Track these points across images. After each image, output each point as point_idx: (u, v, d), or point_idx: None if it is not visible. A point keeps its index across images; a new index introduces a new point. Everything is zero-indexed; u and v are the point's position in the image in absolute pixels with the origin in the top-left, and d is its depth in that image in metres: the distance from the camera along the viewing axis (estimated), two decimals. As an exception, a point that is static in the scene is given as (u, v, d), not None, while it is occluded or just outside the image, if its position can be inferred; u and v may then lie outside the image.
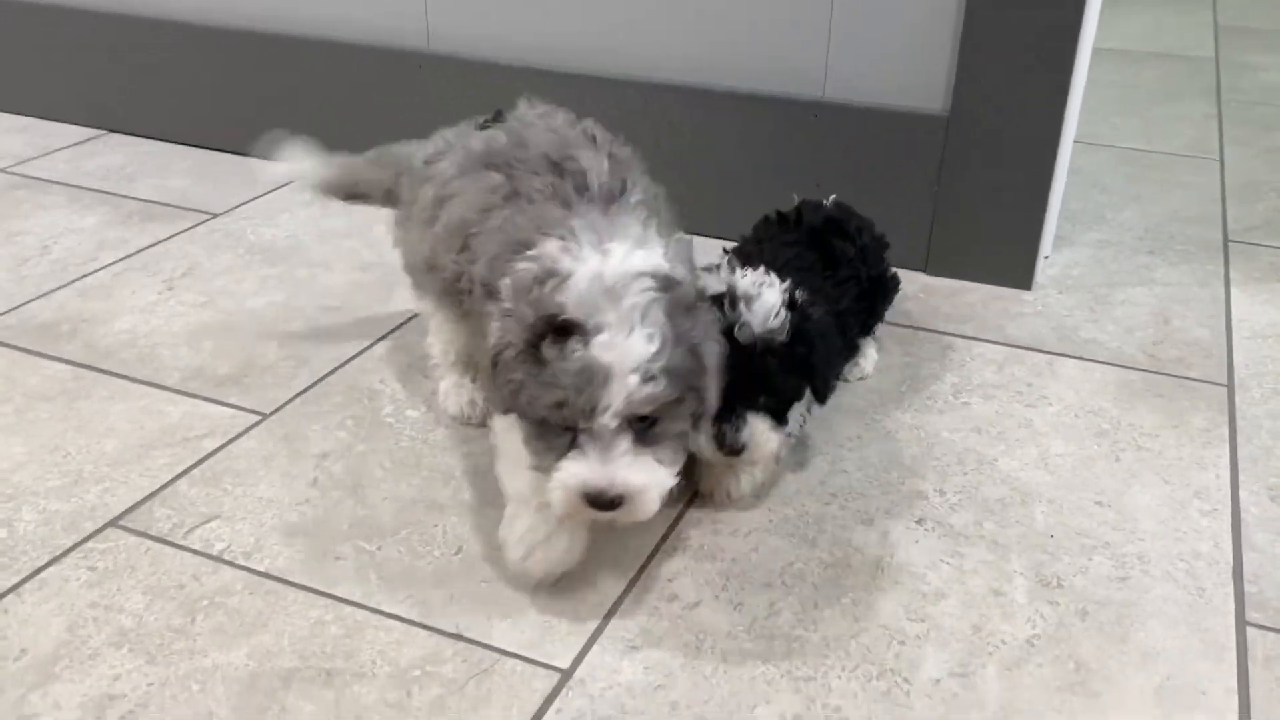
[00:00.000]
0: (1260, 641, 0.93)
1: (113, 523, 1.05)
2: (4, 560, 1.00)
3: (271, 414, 1.23)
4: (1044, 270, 1.57)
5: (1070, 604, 0.97)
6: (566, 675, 0.89)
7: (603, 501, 0.84)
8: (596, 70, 1.64)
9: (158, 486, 1.10)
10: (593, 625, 0.94)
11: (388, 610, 0.95)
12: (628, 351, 0.82)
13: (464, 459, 1.15)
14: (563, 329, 0.83)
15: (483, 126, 1.12)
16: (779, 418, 1.02)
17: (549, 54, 1.67)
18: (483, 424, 1.18)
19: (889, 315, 1.34)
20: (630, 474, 0.84)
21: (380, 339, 1.38)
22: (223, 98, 1.92)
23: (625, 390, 0.82)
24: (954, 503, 1.10)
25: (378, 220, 1.71)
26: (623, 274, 0.85)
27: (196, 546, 1.02)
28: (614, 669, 0.90)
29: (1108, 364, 1.35)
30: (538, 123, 1.07)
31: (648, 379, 0.82)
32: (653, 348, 0.82)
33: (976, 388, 1.29)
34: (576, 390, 0.82)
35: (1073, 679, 0.89)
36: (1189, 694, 0.88)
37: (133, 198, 1.78)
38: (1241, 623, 0.95)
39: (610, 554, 1.01)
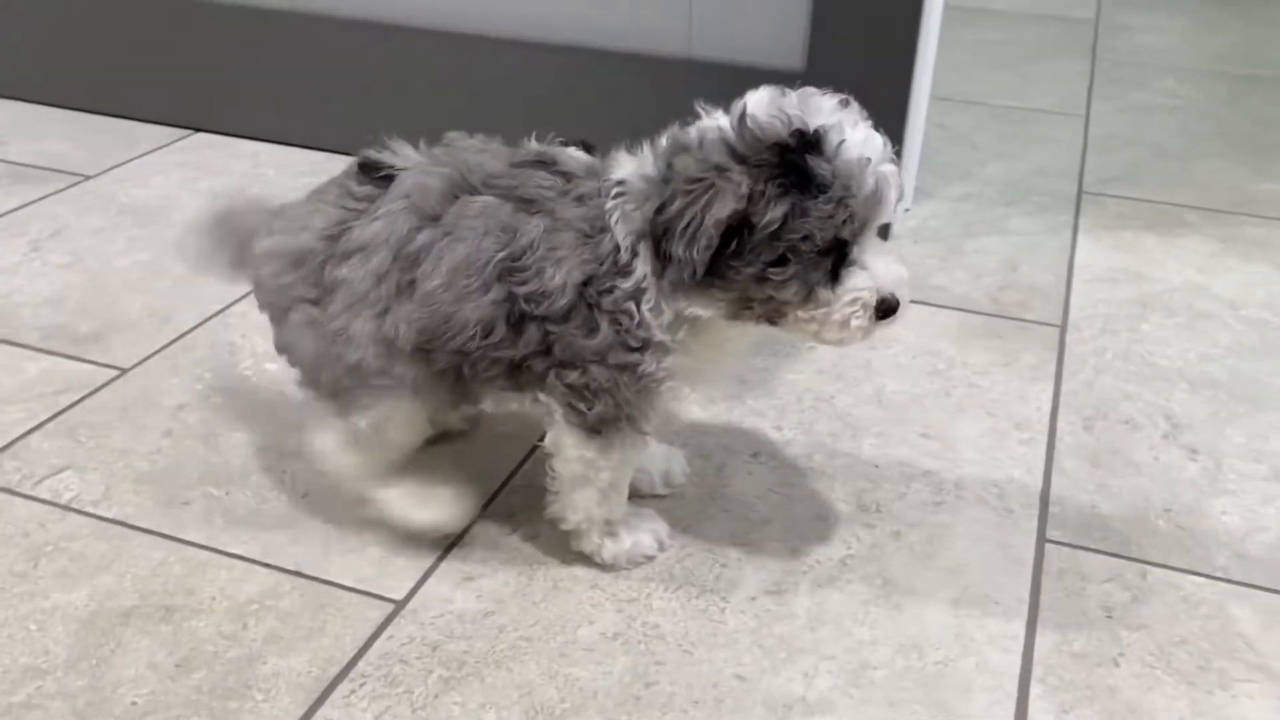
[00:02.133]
0: (1056, 556, 1.00)
1: (-39, 476, 1.06)
2: None
3: (131, 369, 1.24)
4: (903, 222, 1.64)
5: (885, 527, 1.03)
6: (400, 605, 0.93)
7: (896, 304, 0.82)
8: (454, 27, 1.66)
9: (9, 440, 1.11)
10: (430, 560, 0.98)
11: (230, 550, 0.98)
12: (874, 140, 0.80)
13: (320, 408, 1.18)
14: (813, 140, 0.78)
15: (368, 178, 0.92)
16: None
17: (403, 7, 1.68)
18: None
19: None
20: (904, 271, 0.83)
21: (246, 296, 1.39)
22: (102, 57, 1.90)
23: (894, 177, 0.80)
24: (789, 438, 1.15)
25: (253, 179, 1.73)
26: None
27: (45, 496, 1.04)
28: (447, 599, 0.94)
29: (952, 308, 1.41)
30: (458, 150, 0.92)
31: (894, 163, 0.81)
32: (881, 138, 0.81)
33: (825, 332, 1.35)
34: (858, 187, 0.78)
35: (879, 593, 0.95)
36: (984, 603, 0.95)
37: (2, 160, 1.76)
38: (1041, 540, 1.02)
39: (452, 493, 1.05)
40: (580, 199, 0.86)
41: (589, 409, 0.88)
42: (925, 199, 1.72)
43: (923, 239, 1.59)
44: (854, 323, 0.82)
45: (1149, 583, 0.97)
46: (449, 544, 1.00)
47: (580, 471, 0.92)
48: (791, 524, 1.03)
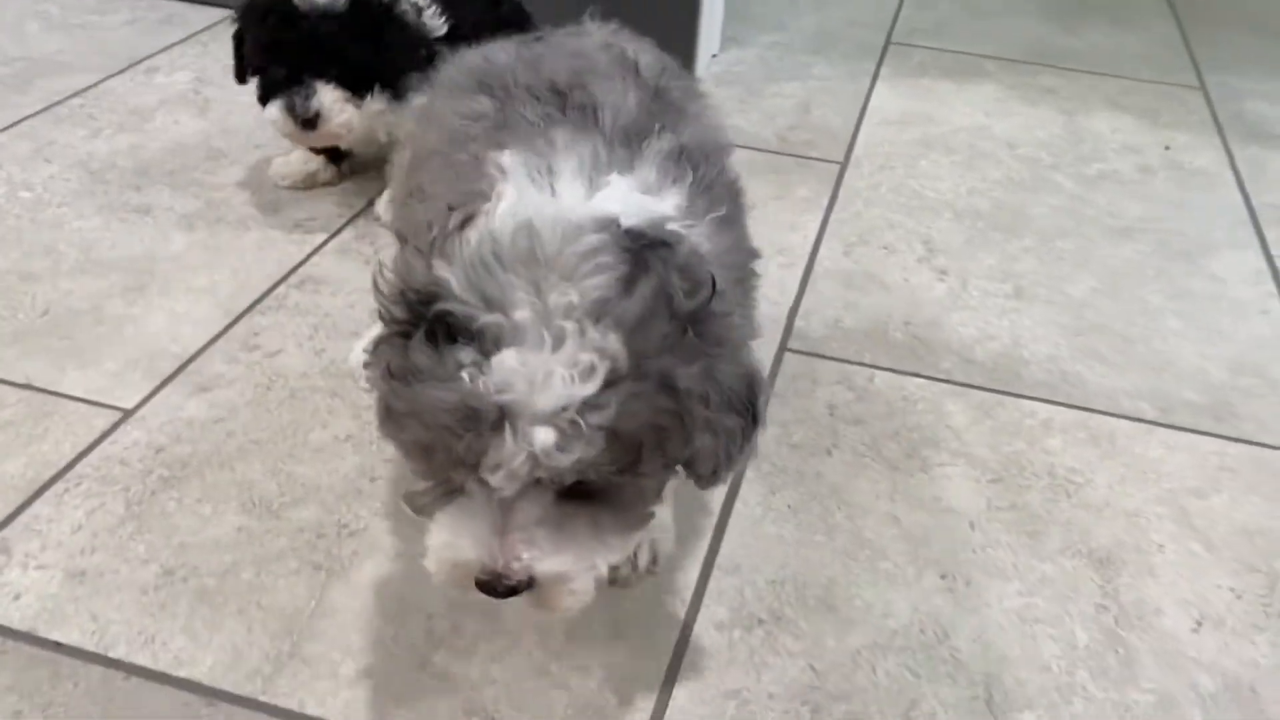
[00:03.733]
0: (792, 363, 1.04)
1: None
2: None
3: None
4: (708, 68, 1.64)
5: (634, 339, 1.05)
6: (129, 413, 0.92)
7: (496, 590, 0.58)
8: None
9: None
10: (166, 372, 0.97)
11: (-45, 366, 0.96)
12: (544, 387, 0.51)
13: (73, 234, 1.14)
14: (440, 324, 0.53)
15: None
16: (356, 90, 1.09)
17: None
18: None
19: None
20: (540, 556, 0.57)
21: (8, 127, 1.33)
22: None
23: (528, 448, 0.52)
24: (555, 262, 1.16)
25: (33, 15, 1.63)
26: (570, 226, 0.55)
27: None
28: (179, 407, 0.93)
29: (742, 147, 1.42)
30: (567, 41, 0.80)
31: (572, 436, 0.52)
32: (587, 388, 0.52)
33: (609, 167, 1.35)
34: (452, 433, 0.53)
35: (616, 398, 0.98)
36: (715, 405, 0.98)
37: None
38: (782, 350, 1.06)
39: (200, 312, 1.04)
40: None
41: None
42: (734, 46, 1.72)
43: (725, 83, 1.60)
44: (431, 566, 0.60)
45: (875, 385, 1.02)
46: (190, 357, 0.99)
47: None
48: (542, 338, 1.05)
